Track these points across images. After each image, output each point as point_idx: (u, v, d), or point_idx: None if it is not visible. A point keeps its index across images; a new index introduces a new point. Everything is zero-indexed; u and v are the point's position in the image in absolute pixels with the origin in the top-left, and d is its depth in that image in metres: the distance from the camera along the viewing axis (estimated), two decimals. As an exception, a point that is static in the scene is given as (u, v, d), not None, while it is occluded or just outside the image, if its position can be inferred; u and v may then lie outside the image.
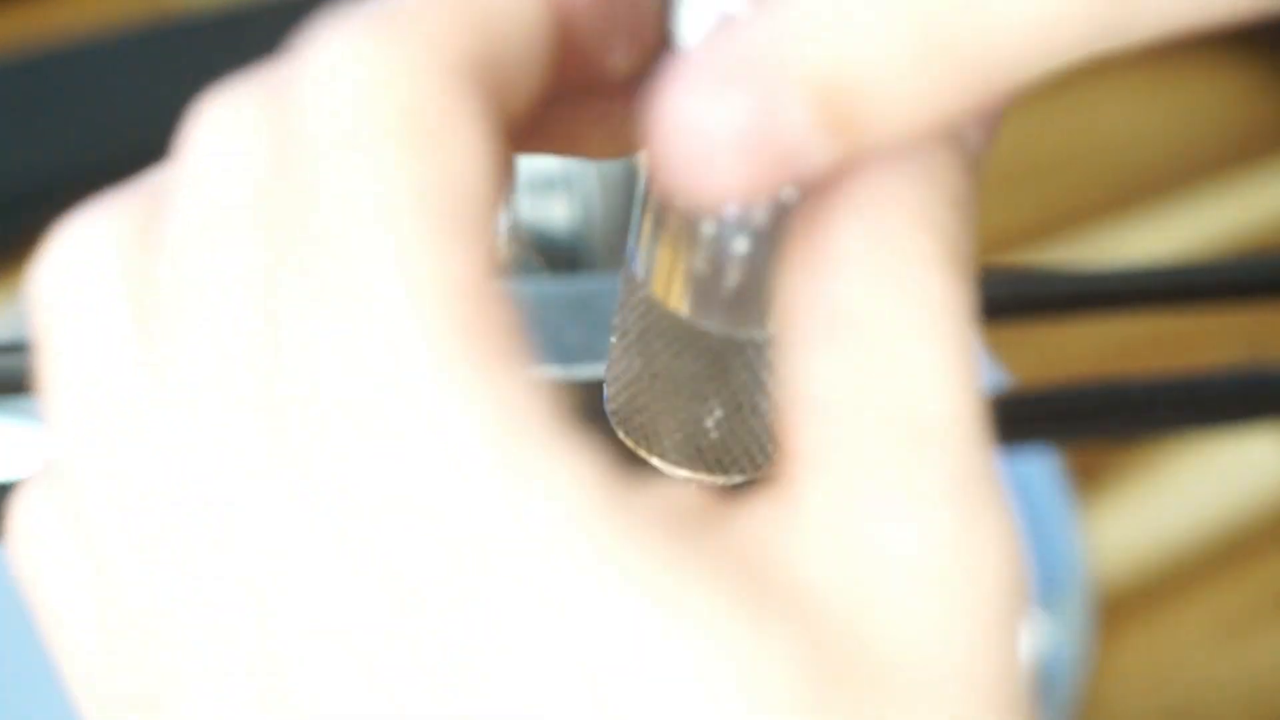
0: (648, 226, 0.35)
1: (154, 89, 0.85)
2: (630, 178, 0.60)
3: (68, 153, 0.82)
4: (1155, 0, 0.28)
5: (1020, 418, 0.52)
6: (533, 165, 0.58)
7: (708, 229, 0.33)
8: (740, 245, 0.33)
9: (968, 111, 0.29)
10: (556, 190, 0.58)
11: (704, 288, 0.34)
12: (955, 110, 0.28)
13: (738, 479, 0.37)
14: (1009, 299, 0.53)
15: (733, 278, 0.34)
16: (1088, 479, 0.75)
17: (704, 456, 0.36)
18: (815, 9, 0.28)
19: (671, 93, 0.28)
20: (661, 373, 0.35)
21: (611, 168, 0.59)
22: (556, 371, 0.47)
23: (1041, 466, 0.71)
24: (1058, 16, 0.28)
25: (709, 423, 0.36)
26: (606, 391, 0.37)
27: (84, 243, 0.31)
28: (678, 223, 0.34)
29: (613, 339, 0.37)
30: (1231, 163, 0.93)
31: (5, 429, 0.67)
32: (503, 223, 0.59)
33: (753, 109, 0.28)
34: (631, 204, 0.60)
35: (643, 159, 0.34)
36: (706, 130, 0.28)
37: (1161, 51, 1.01)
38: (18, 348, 0.46)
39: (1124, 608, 0.71)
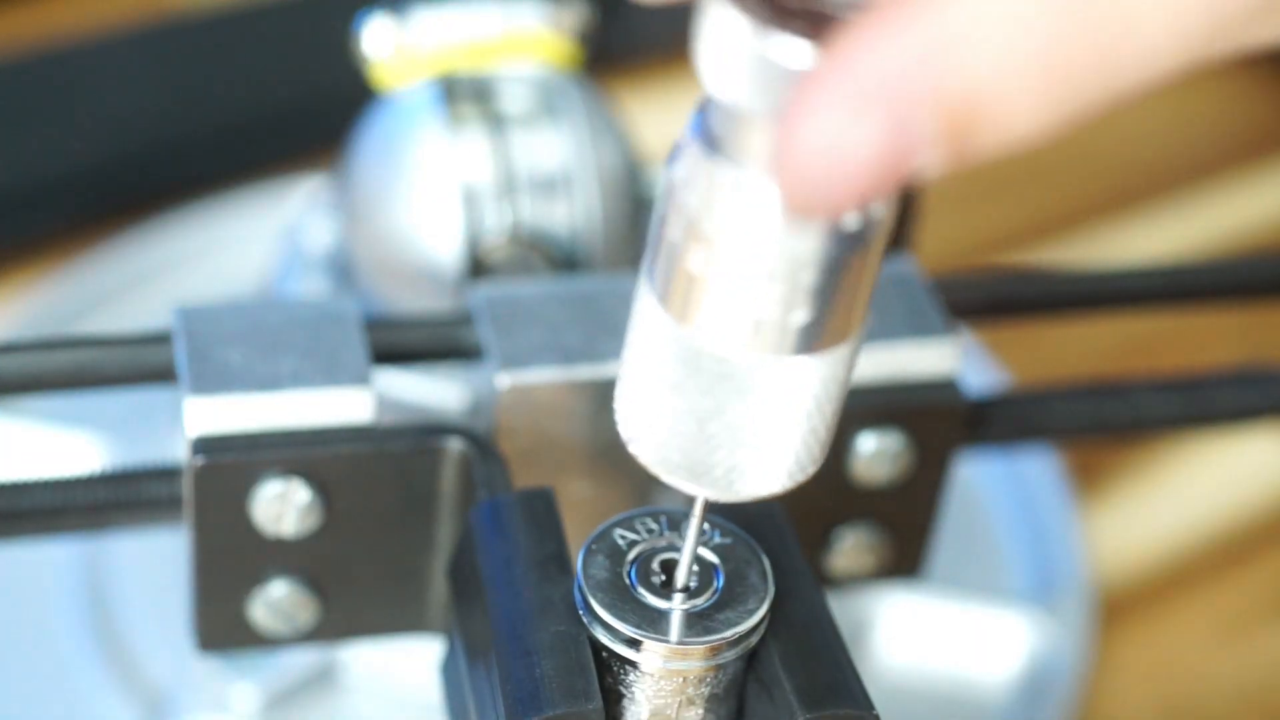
0: (666, 241, 0.35)
1: (154, 89, 0.85)
2: (630, 178, 0.60)
3: (68, 153, 0.82)
4: (1255, 25, 0.30)
5: (1020, 418, 0.52)
6: (533, 165, 0.58)
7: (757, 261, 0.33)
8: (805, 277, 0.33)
9: (1072, 124, 0.30)
10: (557, 190, 0.58)
11: (720, 309, 0.34)
12: (1063, 123, 0.30)
13: (735, 497, 0.37)
14: (1009, 299, 0.53)
15: (754, 302, 0.34)
16: (1088, 479, 0.75)
17: (708, 476, 0.36)
18: (948, 27, 0.29)
19: (809, 110, 0.30)
20: (668, 386, 0.35)
21: (612, 168, 0.59)
22: (557, 371, 0.47)
23: (1041, 466, 0.71)
24: (1173, 45, 0.30)
25: (711, 440, 0.36)
26: (615, 398, 0.37)
27: None
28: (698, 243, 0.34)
29: (625, 347, 0.37)
30: (1231, 163, 0.93)
31: (5, 429, 0.67)
32: (503, 223, 0.59)
33: (888, 130, 0.29)
34: (632, 206, 0.60)
35: (664, 176, 0.34)
36: (845, 152, 0.30)
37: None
38: (18, 348, 0.46)
39: (1124, 608, 0.71)
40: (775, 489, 0.36)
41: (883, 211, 0.34)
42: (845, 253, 0.33)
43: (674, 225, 0.34)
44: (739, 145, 0.33)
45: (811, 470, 0.37)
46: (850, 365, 0.36)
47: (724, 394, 0.35)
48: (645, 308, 0.35)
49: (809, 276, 0.33)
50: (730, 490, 0.36)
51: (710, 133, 0.33)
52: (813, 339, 0.34)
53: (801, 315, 0.34)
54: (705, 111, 0.34)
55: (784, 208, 0.32)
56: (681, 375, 0.35)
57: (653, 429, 0.36)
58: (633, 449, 0.37)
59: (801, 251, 0.33)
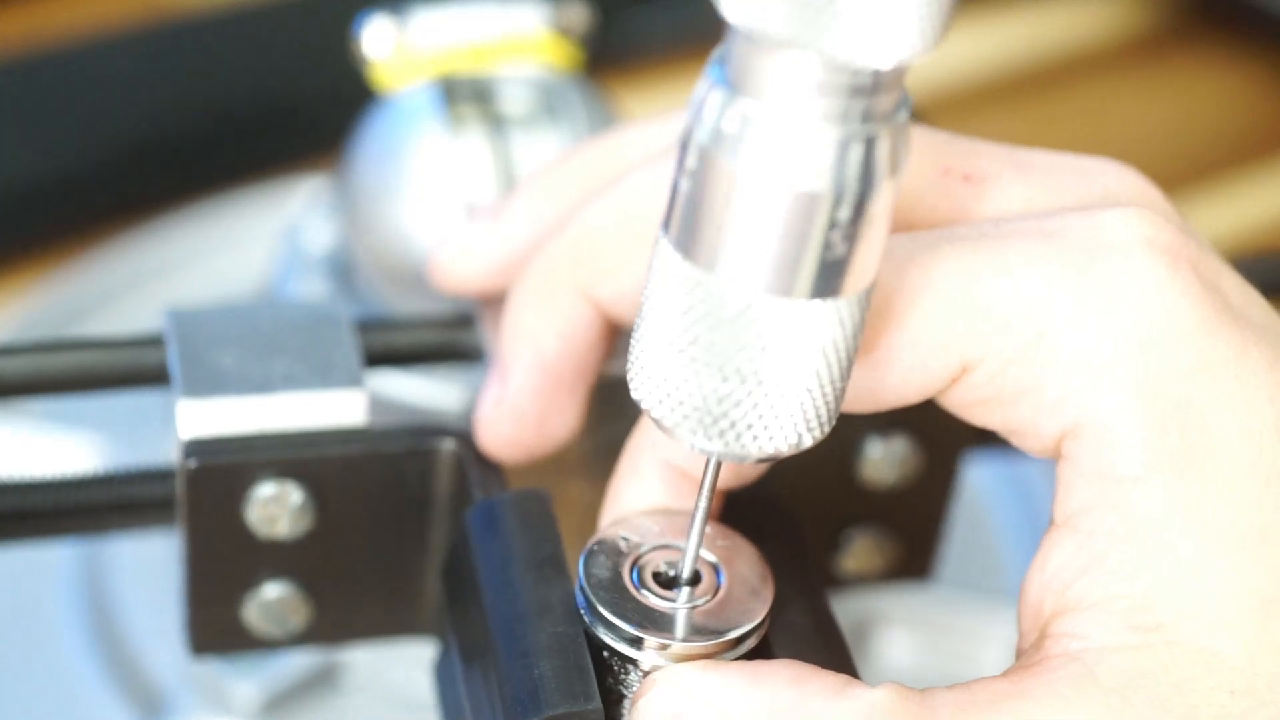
0: (684, 188, 0.35)
1: (154, 89, 0.85)
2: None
3: (68, 153, 0.82)
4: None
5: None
6: (533, 166, 0.58)
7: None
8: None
9: None
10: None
11: (738, 251, 0.34)
12: None
13: (746, 456, 0.37)
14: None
15: (772, 242, 0.34)
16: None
17: (718, 428, 0.36)
18: None
19: None
20: (684, 337, 0.35)
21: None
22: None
23: (1042, 467, 0.71)
24: None
25: (725, 390, 0.36)
26: (630, 360, 0.37)
27: None
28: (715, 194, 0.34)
29: (642, 305, 0.37)
30: (1231, 163, 0.93)
31: (5, 429, 0.67)
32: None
33: None
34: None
35: (683, 126, 0.35)
36: None
37: (1161, 52, 1.01)
38: (16, 350, 0.46)
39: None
40: (784, 448, 0.36)
41: (893, 169, 0.34)
42: (865, 190, 0.34)
43: (693, 170, 0.34)
44: (757, 79, 0.33)
45: (822, 432, 0.37)
46: (861, 317, 0.36)
47: (741, 340, 0.35)
48: (663, 260, 0.35)
49: (835, 218, 0.34)
50: (743, 447, 0.36)
51: (727, 75, 0.34)
52: (833, 283, 0.34)
53: (823, 258, 0.34)
54: (721, 58, 0.34)
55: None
56: (697, 323, 0.35)
57: (669, 384, 0.36)
58: (645, 405, 0.37)
59: (827, 191, 0.33)
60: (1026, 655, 0.39)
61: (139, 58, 0.86)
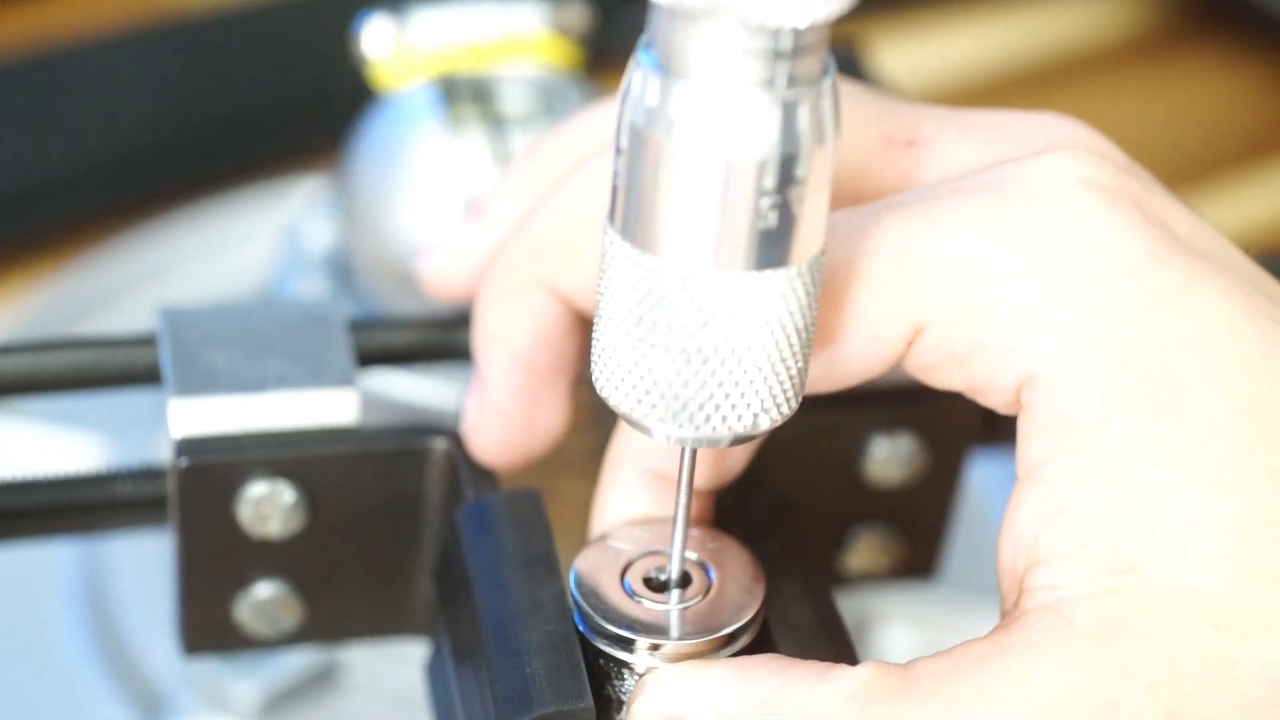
0: (624, 175, 0.35)
1: (154, 89, 0.85)
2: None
3: (68, 153, 0.82)
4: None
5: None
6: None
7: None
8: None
9: None
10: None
11: (680, 228, 0.34)
12: None
13: (717, 439, 0.36)
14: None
15: (712, 216, 0.34)
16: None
17: (675, 412, 0.36)
18: None
19: None
20: (638, 323, 0.36)
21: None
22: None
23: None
24: None
25: (686, 372, 0.36)
26: (591, 356, 0.37)
27: None
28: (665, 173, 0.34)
29: (598, 302, 0.37)
30: (1232, 163, 0.93)
31: (5, 429, 0.67)
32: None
33: None
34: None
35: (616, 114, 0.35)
36: None
37: (1161, 52, 1.01)
38: (14, 347, 0.46)
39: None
40: (748, 428, 0.36)
41: (821, 134, 0.34)
42: (792, 155, 0.34)
43: (627, 153, 0.34)
44: (681, 55, 0.33)
45: (783, 412, 0.37)
46: (810, 289, 0.36)
47: (685, 318, 0.35)
48: (611, 249, 0.36)
49: (764, 184, 0.34)
50: (711, 429, 0.36)
51: (654, 57, 0.34)
52: (774, 253, 0.34)
53: (759, 227, 0.34)
54: (647, 42, 0.34)
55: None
56: (649, 306, 0.35)
57: (629, 374, 0.36)
58: (609, 399, 0.37)
59: (754, 157, 0.33)
60: (1007, 615, 0.38)
61: (140, 58, 0.86)
